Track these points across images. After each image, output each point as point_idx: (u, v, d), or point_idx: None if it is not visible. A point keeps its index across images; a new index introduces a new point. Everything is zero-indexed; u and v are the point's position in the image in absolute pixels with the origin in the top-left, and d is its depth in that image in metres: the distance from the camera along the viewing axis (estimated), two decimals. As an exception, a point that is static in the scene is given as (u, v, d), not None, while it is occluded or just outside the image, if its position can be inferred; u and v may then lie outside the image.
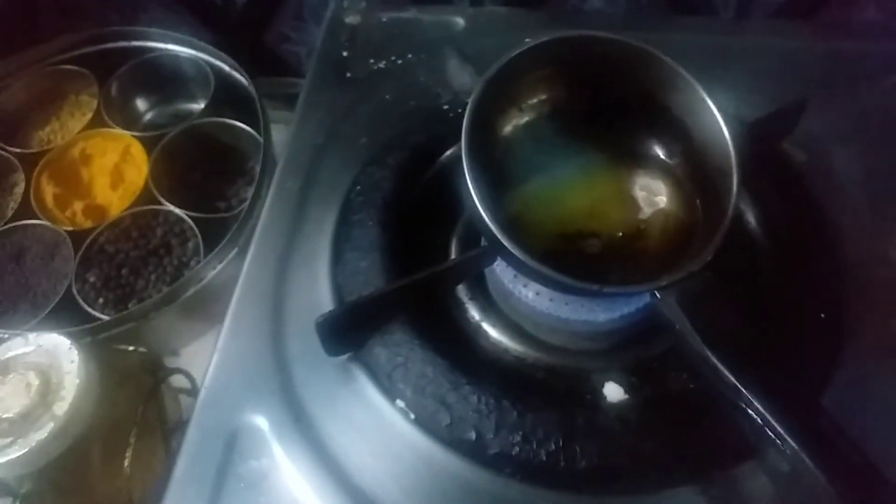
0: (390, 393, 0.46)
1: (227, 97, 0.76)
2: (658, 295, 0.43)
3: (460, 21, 0.70)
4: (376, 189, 0.55)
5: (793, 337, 0.46)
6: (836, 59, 0.63)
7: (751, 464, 0.42)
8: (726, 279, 0.45)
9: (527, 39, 0.47)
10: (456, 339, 0.51)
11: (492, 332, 0.51)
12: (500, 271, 0.51)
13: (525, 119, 0.52)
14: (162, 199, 0.67)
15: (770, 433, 0.37)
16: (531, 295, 0.49)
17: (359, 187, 0.55)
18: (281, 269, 0.52)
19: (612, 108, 0.52)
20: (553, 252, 0.48)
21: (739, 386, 0.39)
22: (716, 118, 0.47)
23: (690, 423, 0.44)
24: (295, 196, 0.56)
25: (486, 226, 0.43)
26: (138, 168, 0.71)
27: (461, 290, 0.53)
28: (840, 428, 0.38)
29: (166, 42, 0.78)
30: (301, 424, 0.45)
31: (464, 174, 0.44)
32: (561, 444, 0.42)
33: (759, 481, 0.42)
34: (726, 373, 0.39)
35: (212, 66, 0.76)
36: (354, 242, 0.52)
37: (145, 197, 0.68)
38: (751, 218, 0.55)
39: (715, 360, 0.39)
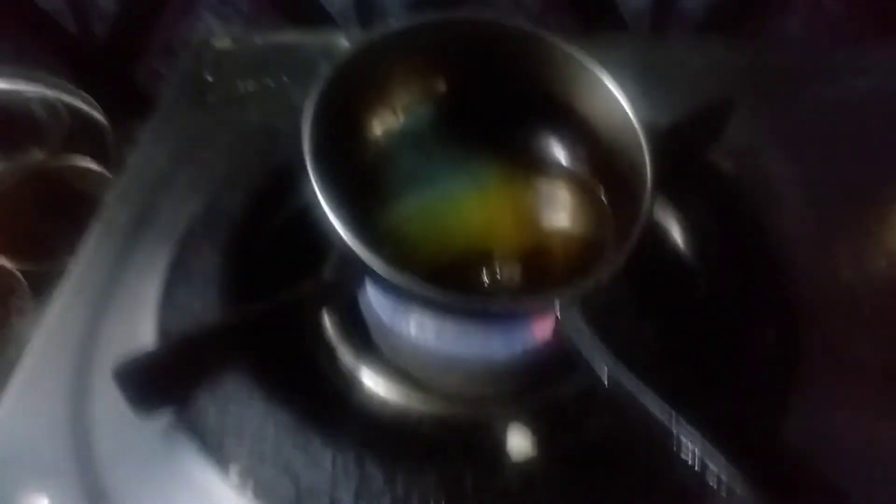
0: (221, 461, 0.35)
1: (83, 138, 0.66)
2: (559, 313, 0.33)
3: (346, 44, 0.62)
4: (224, 216, 0.45)
5: (736, 363, 0.37)
6: (759, 71, 0.58)
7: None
8: (646, 300, 0.36)
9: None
10: (318, 390, 0.40)
11: (367, 381, 0.41)
12: (377, 305, 0.41)
13: (402, 123, 0.43)
14: (-15, 251, 0.56)
15: (711, 480, 0.27)
16: (413, 329, 0.39)
17: (205, 215, 0.45)
18: (93, 316, 0.41)
19: (505, 107, 0.44)
20: (437, 275, 0.39)
21: (665, 421, 0.29)
22: (623, 109, 0.39)
23: (615, 478, 0.34)
24: (122, 229, 0.46)
25: (337, 234, 0.33)
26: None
27: (331, 333, 0.43)
28: (803, 468, 0.28)
29: (12, 78, 0.68)
30: (96, 509, 0.33)
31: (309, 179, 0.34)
32: (441, 515, 0.31)
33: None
34: (649, 403, 0.29)
35: (65, 104, 0.66)
36: (190, 279, 0.41)
37: (-35, 250, 0.56)
38: (676, 236, 0.47)
39: (633, 387, 0.30)
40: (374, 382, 0.40)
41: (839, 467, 0.30)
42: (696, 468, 0.28)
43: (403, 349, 0.40)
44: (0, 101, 0.68)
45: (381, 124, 0.43)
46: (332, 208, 0.33)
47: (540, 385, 0.40)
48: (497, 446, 0.37)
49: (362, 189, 0.40)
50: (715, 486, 0.27)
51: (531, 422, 0.38)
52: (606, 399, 0.37)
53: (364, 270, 0.33)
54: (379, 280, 0.33)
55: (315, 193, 0.33)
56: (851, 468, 0.32)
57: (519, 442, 0.37)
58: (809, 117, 0.54)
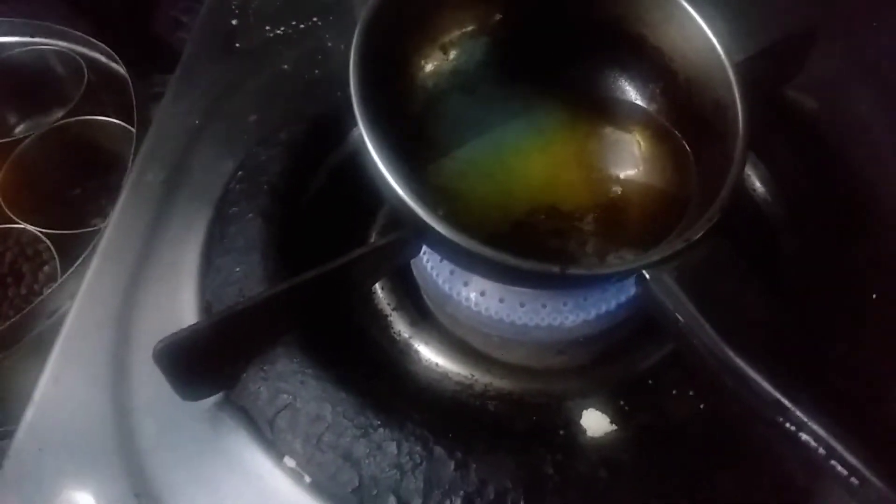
0: (275, 447, 0.32)
1: (105, 94, 0.62)
2: (648, 276, 0.29)
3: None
4: (262, 173, 0.41)
5: (840, 328, 0.33)
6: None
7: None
8: (738, 254, 0.31)
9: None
10: (374, 365, 0.37)
11: (425, 351, 0.37)
12: (433, 268, 0.37)
13: (451, 62, 0.39)
14: (13, 217, 0.53)
15: (837, 464, 0.24)
16: (474, 296, 0.35)
17: (241, 173, 0.41)
18: (131, 288, 0.38)
19: (568, 39, 0.38)
20: (499, 236, 0.35)
21: (782, 398, 0.25)
22: (707, 38, 0.35)
23: (707, 460, 0.30)
24: (156, 191, 0.42)
25: (397, 195, 0.29)
26: (-11, 183, 0.57)
27: (383, 301, 0.39)
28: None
29: (30, 34, 0.64)
30: (144, 502, 0.31)
31: (360, 132, 0.30)
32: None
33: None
34: (759, 380, 0.25)
35: (85, 58, 0.63)
36: (229, 243, 0.38)
37: (-6, 216, 0.54)
38: (756, 181, 0.42)
39: (740, 362, 0.26)
40: (431, 353, 0.37)
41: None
42: (822, 452, 0.24)
43: (462, 318, 0.36)
44: (17, 57, 0.65)
45: (430, 65, 0.38)
46: (386, 164, 0.29)
47: (615, 356, 0.36)
48: (571, 424, 0.34)
49: (412, 139, 0.36)
50: (845, 473, 0.24)
51: (607, 397, 0.35)
52: (692, 372, 0.34)
53: (423, 231, 0.29)
54: (439, 242, 0.30)
55: (368, 148, 0.29)
56: None
57: (596, 419, 0.34)
58: (891, 46, 0.48)
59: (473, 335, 0.37)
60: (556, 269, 0.29)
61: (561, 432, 0.34)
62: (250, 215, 0.39)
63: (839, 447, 0.24)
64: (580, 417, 0.34)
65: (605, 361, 0.36)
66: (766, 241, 0.39)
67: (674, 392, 0.34)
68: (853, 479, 0.24)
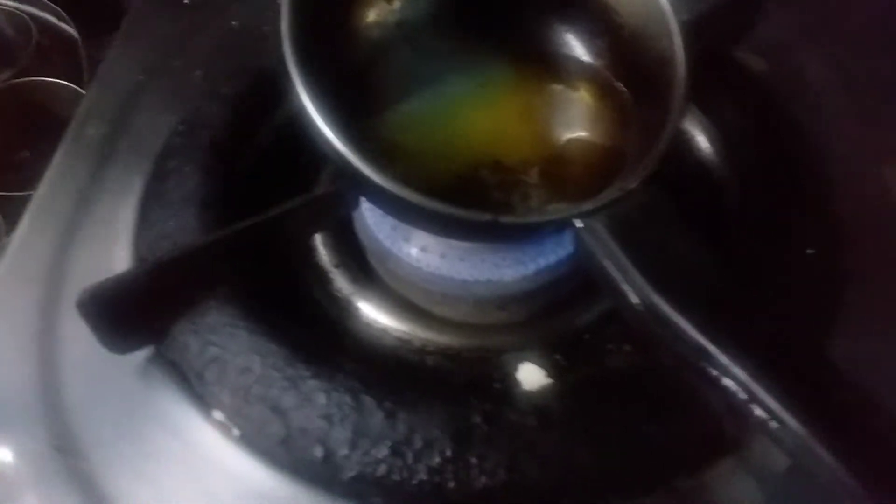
0: (203, 401, 0.31)
1: (55, 55, 0.60)
2: (581, 224, 0.29)
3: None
4: (204, 127, 0.40)
5: (773, 279, 0.33)
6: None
7: (730, 461, 0.29)
8: (677, 208, 0.31)
9: None
10: (313, 321, 0.36)
11: (366, 308, 0.37)
12: (375, 224, 0.36)
13: (396, 13, 0.38)
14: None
15: (759, 410, 0.24)
16: (416, 252, 0.35)
17: (182, 127, 0.40)
18: (64, 244, 0.37)
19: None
20: (440, 189, 0.34)
21: (706, 343, 0.25)
22: (650, -9, 0.34)
23: (640, 411, 0.30)
24: (95, 147, 0.41)
25: (326, 139, 0.29)
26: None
27: (325, 258, 0.39)
28: (861, 393, 0.24)
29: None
30: (66, 456, 0.30)
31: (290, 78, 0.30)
32: (449, 454, 0.28)
33: (743, 483, 0.29)
34: (685, 326, 0.25)
35: (33, 18, 0.61)
36: (167, 197, 0.37)
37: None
38: (703, 141, 0.42)
39: (666, 308, 0.26)
40: (371, 310, 0.37)
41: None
42: (742, 396, 0.24)
43: (404, 274, 0.36)
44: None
45: (373, 15, 0.37)
46: (318, 111, 0.28)
47: (555, 311, 0.36)
48: (508, 378, 0.34)
49: (354, 93, 0.35)
50: (765, 416, 0.24)
51: (544, 351, 0.35)
52: (627, 325, 0.33)
53: (359, 181, 0.29)
54: (376, 192, 0.29)
55: (298, 95, 0.29)
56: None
57: (532, 373, 0.34)
58: (843, 6, 0.48)
59: (415, 292, 0.37)
60: (488, 217, 0.28)
61: (496, 385, 0.33)
62: (188, 168, 0.38)
63: (759, 390, 0.24)
64: (517, 371, 0.34)
65: (544, 317, 0.36)
66: (710, 199, 0.39)
67: (609, 347, 0.34)
68: (773, 423, 0.24)
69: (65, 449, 0.30)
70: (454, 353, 0.35)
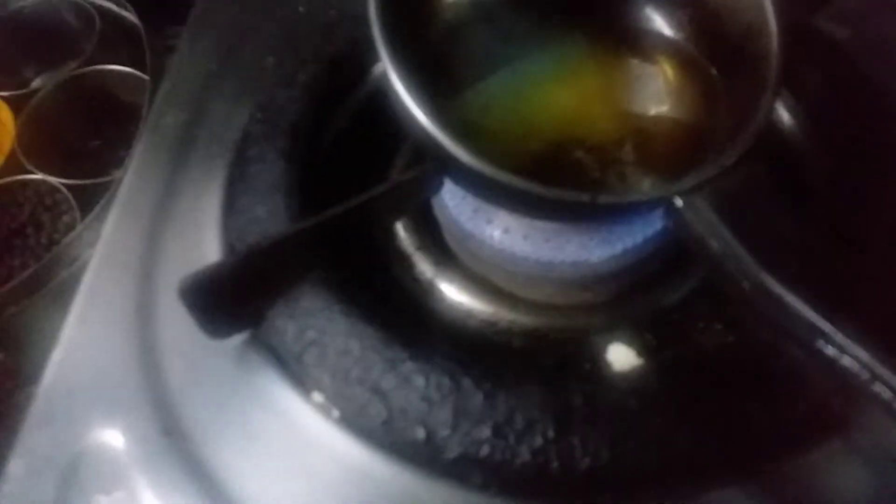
0: (303, 383, 0.32)
1: (118, 43, 0.61)
2: (681, 202, 0.28)
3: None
4: (282, 114, 0.40)
5: (874, 254, 0.32)
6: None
7: (837, 442, 0.28)
8: (771, 184, 0.31)
9: None
10: (399, 303, 0.37)
11: (449, 290, 0.37)
12: (456, 207, 0.36)
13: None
14: (30, 167, 0.53)
15: (882, 388, 0.23)
16: (498, 234, 0.35)
17: (259, 114, 0.41)
18: (154, 231, 0.38)
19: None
20: (524, 169, 0.34)
21: (822, 323, 0.24)
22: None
23: (738, 390, 0.30)
24: (176, 135, 0.42)
25: (418, 123, 0.29)
26: (8, 134, 0.57)
27: (406, 241, 0.39)
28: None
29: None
30: (173, 439, 0.31)
31: (381, 61, 0.30)
32: (551, 435, 0.28)
33: (852, 466, 0.28)
34: (799, 305, 0.25)
35: (97, 8, 0.62)
36: (251, 183, 0.38)
37: (11, 166, 0.53)
38: (785, 114, 0.41)
39: (779, 288, 0.25)
40: (455, 292, 0.37)
41: None
42: (865, 376, 0.24)
43: (486, 256, 0.36)
44: (30, 10, 0.64)
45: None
46: (408, 91, 0.28)
47: (642, 290, 0.36)
48: (598, 359, 0.34)
49: (433, 73, 0.35)
50: (890, 396, 0.23)
51: (634, 331, 0.34)
52: (718, 302, 0.33)
53: (448, 162, 0.29)
54: (465, 173, 0.29)
55: (389, 75, 0.29)
56: None
57: (622, 353, 0.34)
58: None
59: (497, 273, 0.37)
60: (586, 197, 0.28)
61: (587, 366, 0.33)
62: (271, 155, 0.38)
63: (883, 371, 0.23)
64: (606, 352, 0.34)
65: (630, 296, 0.36)
66: (793, 174, 0.38)
67: (700, 325, 0.34)
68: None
69: (171, 432, 0.31)
70: (541, 335, 0.35)
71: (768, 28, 0.32)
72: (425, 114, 0.28)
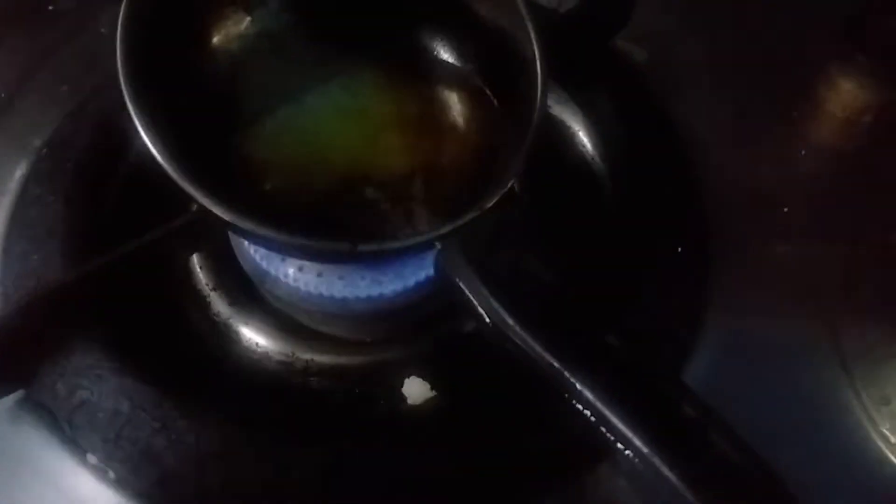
0: (76, 444, 0.31)
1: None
2: (440, 247, 0.29)
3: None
4: (68, 149, 0.38)
5: (638, 279, 0.34)
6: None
7: (607, 465, 0.30)
8: (546, 213, 0.32)
9: None
10: (189, 349, 0.35)
11: (245, 331, 0.37)
12: (251, 245, 0.36)
13: (256, 24, 0.37)
14: None
15: (605, 431, 0.25)
16: (293, 272, 0.34)
17: (45, 150, 0.39)
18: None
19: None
20: (314, 206, 0.34)
21: (555, 363, 0.25)
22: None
23: (523, 421, 0.31)
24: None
25: (168, 176, 0.28)
26: None
27: (202, 281, 0.38)
28: (704, 409, 0.25)
29: None
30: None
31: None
32: (322, 489, 0.28)
33: (618, 485, 0.30)
34: (535, 346, 0.26)
35: None
36: (30, 229, 0.36)
37: None
38: (584, 138, 0.42)
39: (519, 329, 0.26)
40: (252, 333, 0.36)
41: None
42: (592, 417, 0.25)
43: (282, 294, 0.35)
44: None
45: (230, 26, 0.36)
46: (151, 135, 0.28)
47: (436, 323, 0.36)
48: (394, 393, 0.34)
49: (214, 110, 0.34)
50: (612, 439, 0.24)
51: (429, 364, 0.35)
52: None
53: (204, 214, 0.28)
54: (214, 220, 0.28)
55: (135, 125, 0.28)
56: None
57: (417, 387, 0.34)
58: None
59: (296, 311, 0.36)
60: (345, 246, 0.28)
61: (382, 402, 0.34)
62: (52, 198, 0.36)
63: (607, 413, 0.25)
64: (402, 386, 0.34)
65: (427, 329, 0.36)
66: (591, 199, 0.39)
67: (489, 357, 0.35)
68: (619, 446, 0.24)
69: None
70: (338, 372, 0.35)
71: (535, 64, 0.32)
72: (171, 163, 0.27)
